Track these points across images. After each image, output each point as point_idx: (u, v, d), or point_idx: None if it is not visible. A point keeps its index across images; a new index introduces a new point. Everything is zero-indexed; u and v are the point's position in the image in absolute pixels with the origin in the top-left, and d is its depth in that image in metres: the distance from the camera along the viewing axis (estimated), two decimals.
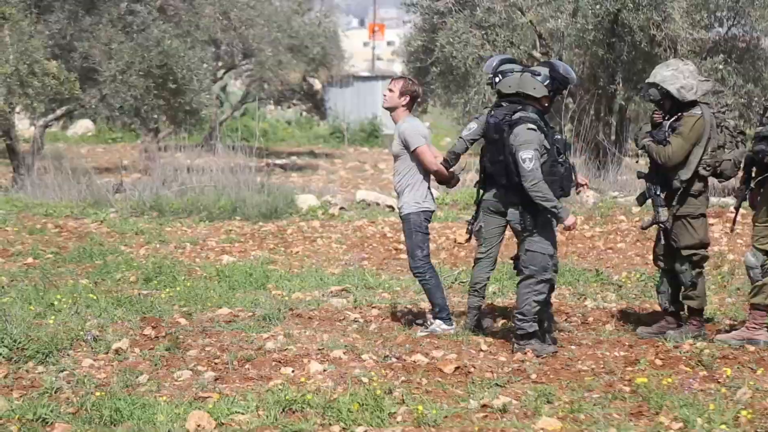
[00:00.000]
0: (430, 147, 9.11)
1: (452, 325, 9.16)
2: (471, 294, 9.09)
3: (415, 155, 9.04)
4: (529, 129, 8.35)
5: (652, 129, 8.99)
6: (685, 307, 9.10)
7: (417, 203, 9.09)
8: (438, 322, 9.14)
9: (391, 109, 9.18)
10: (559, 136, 8.58)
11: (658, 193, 8.91)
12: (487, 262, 9.04)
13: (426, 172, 9.09)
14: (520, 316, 8.47)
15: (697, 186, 8.85)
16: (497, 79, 8.67)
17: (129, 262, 12.49)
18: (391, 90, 9.16)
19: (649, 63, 19.22)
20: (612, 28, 19.53)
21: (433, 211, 9.22)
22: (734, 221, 9.58)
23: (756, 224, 8.77)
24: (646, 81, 9.03)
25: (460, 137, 8.93)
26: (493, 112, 8.65)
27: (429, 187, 9.17)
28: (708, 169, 8.82)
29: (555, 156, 8.46)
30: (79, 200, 17.58)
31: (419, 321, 9.50)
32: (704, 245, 8.97)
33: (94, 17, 21.06)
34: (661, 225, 8.91)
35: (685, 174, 8.80)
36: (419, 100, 9.45)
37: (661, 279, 9.18)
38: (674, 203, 8.86)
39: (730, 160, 8.91)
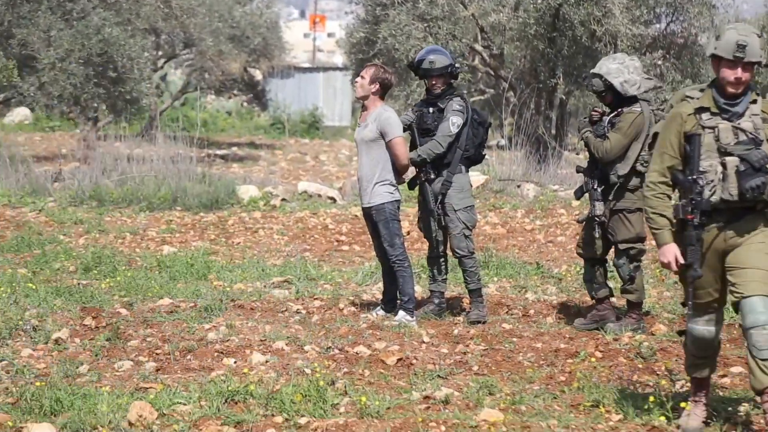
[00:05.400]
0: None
1: (414, 318, 9.19)
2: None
3: (389, 145, 9.00)
4: None
5: (591, 125, 9.07)
6: (625, 300, 9.22)
7: (390, 193, 9.08)
8: (402, 313, 9.16)
9: (364, 98, 9.10)
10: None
11: (595, 187, 8.99)
12: None
13: (392, 163, 9.09)
14: None
15: (634, 181, 8.92)
16: None
17: (68, 252, 12.38)
18: (362, 77, 9.06)
19: (590, 58, 19.40)
20: (553, 22, 19.66)
21: (400, 201, 9.28)
22: None
23: None
24: (591, 71, 9.09)
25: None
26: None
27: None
28: (645, 165, 8.88)
29: None
30: (17, 189, 17.38)
31: (364, 315, 9.50)
32: (641, 239, 9.07)
33: (32, 4, 20.75)
34: (596, 219, 8.98)
35: (623, 169, 8.90)
36: (390, 88, 9.33)
37: (586, 268, 9.26)
38: (611, 198, 8.95)
39: None
